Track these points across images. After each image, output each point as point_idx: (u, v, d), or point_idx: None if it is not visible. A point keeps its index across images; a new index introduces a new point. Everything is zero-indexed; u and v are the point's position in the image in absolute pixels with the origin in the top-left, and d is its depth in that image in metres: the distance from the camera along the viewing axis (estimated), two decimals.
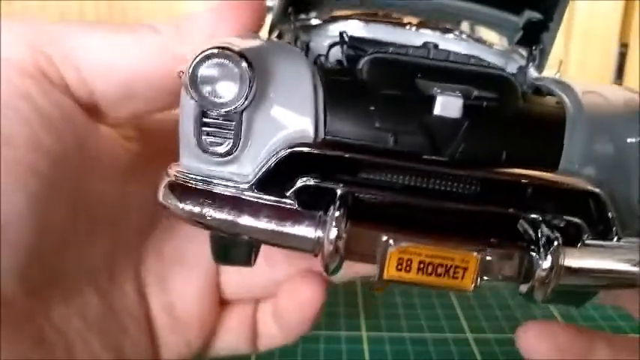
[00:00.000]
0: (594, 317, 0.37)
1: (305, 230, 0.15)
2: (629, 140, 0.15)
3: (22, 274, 0.16)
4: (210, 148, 0.15)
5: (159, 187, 0.16)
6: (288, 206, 0.15)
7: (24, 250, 0.15)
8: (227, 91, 0.14)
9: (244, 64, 0.14)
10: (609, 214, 0.15)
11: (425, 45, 0.22)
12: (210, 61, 0.14)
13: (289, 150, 0.15)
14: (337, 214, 0.14)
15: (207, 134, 0.15)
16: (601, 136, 0.15)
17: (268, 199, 0.15)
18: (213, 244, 0.18)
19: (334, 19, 0.25)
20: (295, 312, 0.22)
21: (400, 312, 0.36)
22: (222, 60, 0.14)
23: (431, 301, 0.37)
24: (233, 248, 0.19)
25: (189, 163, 0.16)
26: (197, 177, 0.16)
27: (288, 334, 0.23)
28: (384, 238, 0.14)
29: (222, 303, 0.24)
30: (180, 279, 0.22)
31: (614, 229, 0.15)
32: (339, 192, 0.15)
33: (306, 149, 0.15)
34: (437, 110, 0.15)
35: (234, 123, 0.15)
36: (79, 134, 0.18)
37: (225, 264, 0.20)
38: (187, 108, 0.15)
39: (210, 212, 0.15)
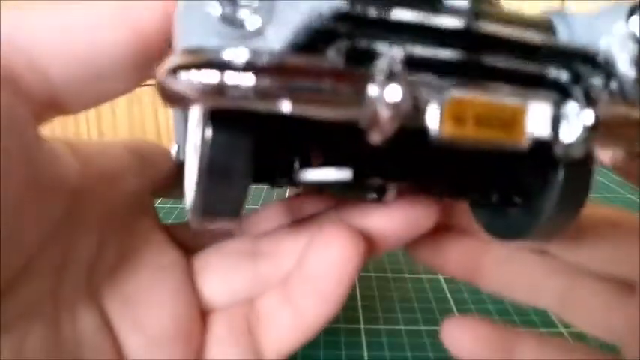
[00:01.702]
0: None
1: (359, 88, 0.13)
2: None
3: None
4: (239, 19, 0.13)
5: (166, 71, 0.13)
6: (336, 65, 0.13)
7: None
8: None
9: None
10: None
11: None
12: None
13: (329, 10, 0.13)
14: (396, 66, 0.12)
15: (233, 4, 0.13)
16: None
17: (310, 59, 0.13)
18: (204, 192, 0.15)
19: None
20: (328, 276, 0.19)
21: (396, 305, 0.37)
22: None
23: (426, 295, 0.39)
24: (225, 195, 0.16)
25: (204, 42, 0.13)
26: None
27: (318, 309, 0.19)
28: (440, 88, 0.13)
29: (207, 313, 0.21)
30: (147, 294, 0.19)
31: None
32: (387, 51, 0.13)
33: (347, 7, 0.13)
34: None
35: None
36: (27, 145, 0.15)
37: (211, 219, 0.16)
38: None
39: (249, 79, 0.12)
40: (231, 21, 0.13)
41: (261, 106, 0.12)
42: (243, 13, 0.13)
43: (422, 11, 0.14)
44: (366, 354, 0.32)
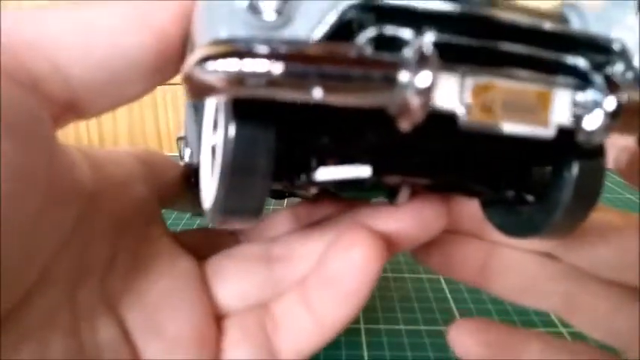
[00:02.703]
0: None
1: (390, 74, 0.12)
2: None
3: None
4: (264, 7, 0.13)
5: (194, 62, 0.12)
6: (366, 52, 0.13)
7: None
8: None
9: None
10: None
11: None
12: None
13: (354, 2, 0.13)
14: (427, 52, 0.12)
15: None
16: None
17: (339, 46, 0.13)
18: (227, 189, 0.15)
19: None
20: (350, 278, 0.18)
21: (396, 305, 0.37)
22: None
23: (426, 295, 0.39)
24: (248, 192, 0.15)
25: (232, 33, 0.13)
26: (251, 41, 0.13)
27: (338, 312, 0.19)
28: (467, 74, 0.13)
29: (222, 317, 0.21)
30: (163, 301, 0.19)
31: None
32: (417, 38, 0.13)
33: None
34: None
35: None
36: (48, 148, 0.15)
37: (233, 217, 0.16)
38: None
39: (278, 67, 0.12)
40: (258, 11, 0.13)
41: (292, 94, 0.12)
42: (268, 4, 0.13)
43: (444, 0, 0.14)
44: (366, 354, 0.32)
